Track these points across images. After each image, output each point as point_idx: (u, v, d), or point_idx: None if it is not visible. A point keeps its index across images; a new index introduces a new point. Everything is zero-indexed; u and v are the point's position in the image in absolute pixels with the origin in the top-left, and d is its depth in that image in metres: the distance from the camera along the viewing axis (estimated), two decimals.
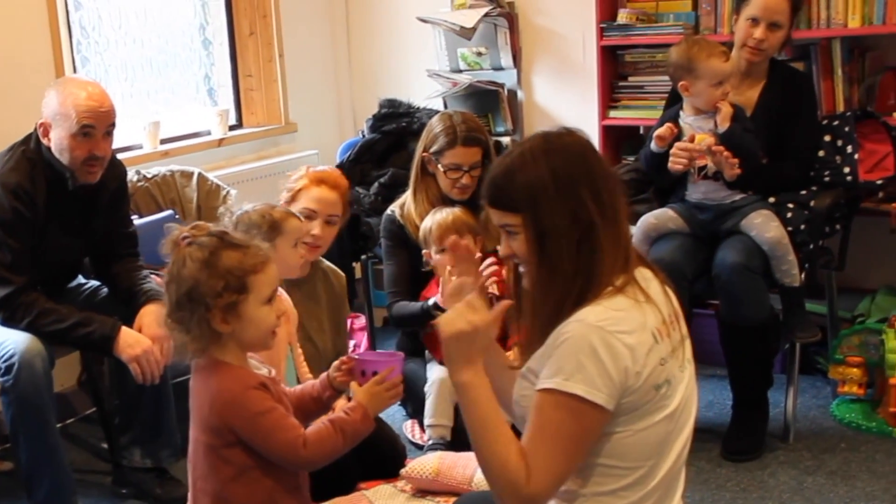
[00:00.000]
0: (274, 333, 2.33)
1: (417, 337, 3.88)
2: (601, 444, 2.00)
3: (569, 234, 2.01)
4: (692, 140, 3.80)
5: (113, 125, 3.43)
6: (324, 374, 2.54)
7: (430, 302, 3.61)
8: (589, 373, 1.93)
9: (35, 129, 3.41)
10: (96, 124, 3.35)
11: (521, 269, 2.13)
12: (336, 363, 2.50)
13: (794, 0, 3.96)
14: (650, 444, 2.04)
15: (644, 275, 2.11)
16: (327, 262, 3.56)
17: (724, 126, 3.78)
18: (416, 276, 3.80)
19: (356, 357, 2.51)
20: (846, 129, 4.06)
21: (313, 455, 2.26)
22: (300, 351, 3.15)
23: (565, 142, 2.10)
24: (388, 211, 3.93)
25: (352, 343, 4.82)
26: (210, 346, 2.25)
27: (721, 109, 3.79)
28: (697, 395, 2.21)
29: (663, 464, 2.07)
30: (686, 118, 3.91)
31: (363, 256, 4.79)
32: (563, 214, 2.01)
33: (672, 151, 3.83)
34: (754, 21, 3.89)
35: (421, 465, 3.29)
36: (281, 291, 3.05)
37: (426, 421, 3.71)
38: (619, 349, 1.94)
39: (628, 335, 1.96)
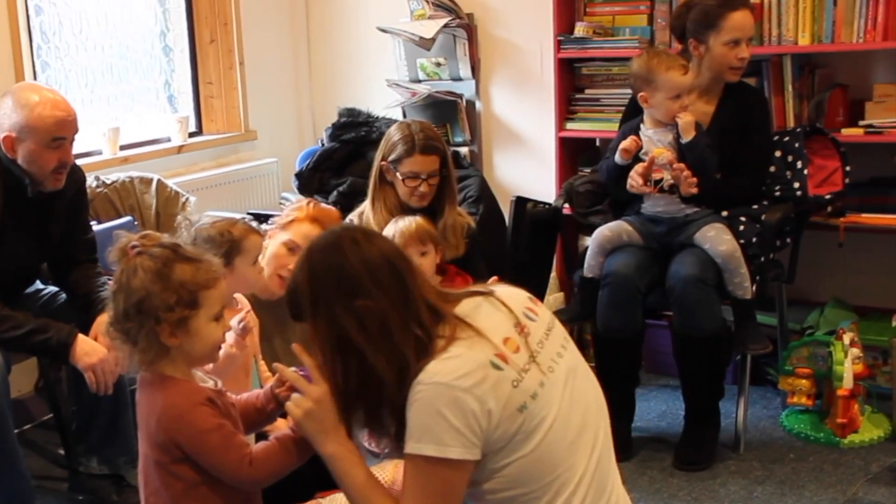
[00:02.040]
0: (219, 349, 2.31)
1: None
2: (500, 479, 2.01)
3: (359, 332, 2.02)
4: (651, 162, 3.84)
5: (77, 132, 3.43)
6: (267, 386, 2.49)
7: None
8: (435, 432, 1.95)
9: None
10: (67, 135, 3.35)
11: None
12: (278, 378, 2.44)
13: (754, 12, 4.06)
14: (547, 459, 2.02)
15: (468, 306, 2.10)
16: None
17: (687, 137, 3.84)
18: None
19: (301, 373, 2.51)
20: (796, 144, 4.12)
21: (260, 474, 2.22)
22: (262, 362, 3.14)
23: (325, 243, 2.10)
24: (347, 220, 3.94)
25: None
26: (157, 359, 2.20)
27: (681, 121, 3.84)
28: (589, 376, 2.18)
29: (575, 465, 2.05)
30: (646, 130, 3.96)
31: None
32: (345, 315, 2.03)
33: (630, 175, 3.88)
34: (735, 43, 3.94)
35: (379, 472, 3.31)
36: (243, 300, 3.06)
37: None
38: (461, 399, 1.94)
39: (466, 378, 1.95)
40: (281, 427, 3.26)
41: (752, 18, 4.02)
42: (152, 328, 2.15)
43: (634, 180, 3.88)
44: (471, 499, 2.09)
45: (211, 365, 2.40)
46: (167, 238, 2.27)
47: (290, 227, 3.35)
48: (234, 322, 2.71)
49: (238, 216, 3.20)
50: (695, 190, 3.82)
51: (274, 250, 3.29)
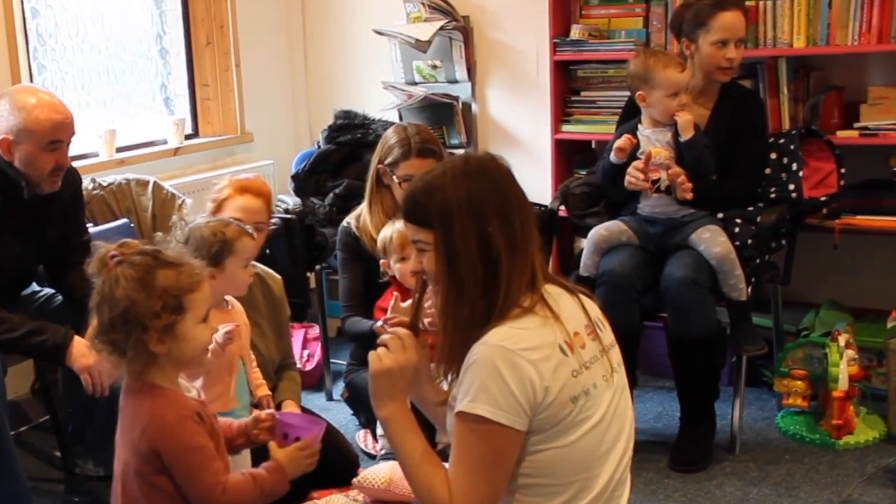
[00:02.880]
0: (207, 351, 2.31)
1: (371, 347, 3.88)
2: (530, 462, 2.03)
3: (476, 257, 2.06)
4: (648, 158, 3.86)
5: (74, 135, 3.44)
6: (242, 421, 2.52)
7: (378, 323, 3.65)
8: (492, 393, 1.97)
9: None
10: (64, 137, 3.36)
11: (432, 287, 2.18)
12: (254, 417, 2.50)
13: (747, 15, 4.06)
14: (579, 458, 2.06)
15: (553, 291, 2.14)
16: (262, 266, 3.57)
17: (686, 135, 3.85)
18: (372, 288, 3.82)
19: (279, 418, 2.50)
20: (791, 146, 4.14)
21: (228, 500, 2.22)
22: (254, 361, 3.15)
23: (485, 167, 2.14)
24: (344, 223, 3.94)
25: (306, 353, 4.84)
26: (146, 368, 2.19)
27: (680, 119, 3.86)
28: (632, 403, 2.24)
29: (599, 476, 2.09)
30: (644, 130, 3.97)
31: (318, 267, 4.81)
32: (472, 237, 2.06)
33: (629, 171, 3.89)
34: (723, 43, 3.95)
35: (373, 474, 3.31)
36: (236, 302, 3.07)
37: (379, 431, 3.73)
38: (522, 366, 1.97)
39: (532, 351, 1.99)
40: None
41: (745, 20, 4.02)
42: (140, 337, 2.15)
43: (634, 175, 3.89)
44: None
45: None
46: (147, 245, 2.26)
47: (223, 206, 3.37)
48: (220, 331, 2.73)
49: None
50: (690, 195, 3.84)
51: None
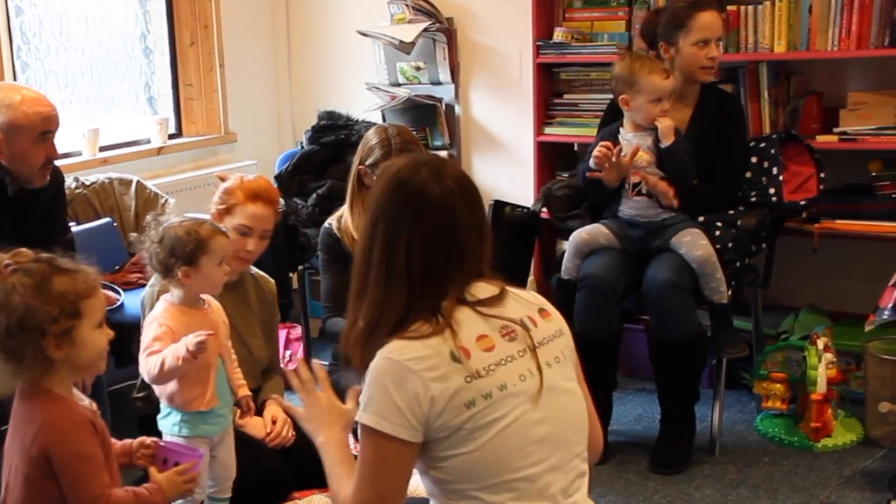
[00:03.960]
0: (104, 357, 2.32)
1: None
2: (446, 468, 2.04)
3: (380, 263, 2.10)
4: (635, 153, 3.87)
5: (59, 127, 3.46)
6: (127, 442, 2.55)
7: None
8: (379, 404, 2.01)
9: None
10: (52, 128, 3.39)
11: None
12: (140, 441, 2.55)
13: (723, 16, 4.12)
14: (496, 460, 2.03)
15: (478, 290, 2.13)
16: (256, 269, 3.58)
17: (667, 141, 3.88)
18: None
19: (161, 444, 2.57)
20: (772, 150, 4.15)
21: None
22: (234, 359, 3.15)
23: (423, 184, 2.12)
24: (326, 224, 3.94)
25: (288, 353, 4.84)
26: (43, 374, 2.21)
27: (661, 125, 3.88)
28: (573, 396, 2.18)
29: (533, 477, 2.05)
30: (626, 134, 3.99)
31: (300, 267, 4.81)
32: (381, 242, 2.11)
33: (598, 147, 3.93)
34: (704, 43, 3.99)
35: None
36: (213, 301, 3.08)
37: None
38: (408, 378, 2.00)
39: (418, 361, 2.00)
40: (258, 427, 3.30)
41: (721, 20, 4.07)
42: (38, 343, 2.17)
43: (600, 151, 3.91)
44: (429, 492, 2.13)
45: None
46: (39, 254, 2.26)
47: (233, 211, 3.36)
48: (190, 338, 2.75)
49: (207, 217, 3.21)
50: (675, 202, 3.86)
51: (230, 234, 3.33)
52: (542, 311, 2.20)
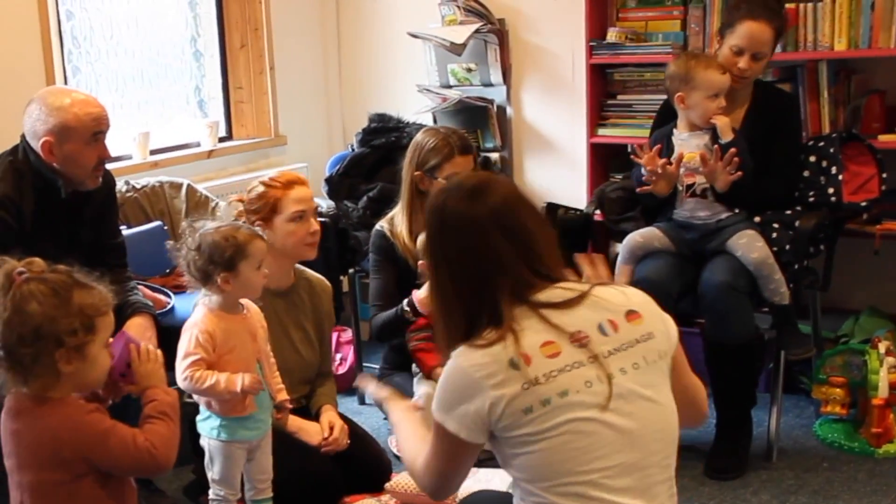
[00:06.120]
0: (105, 376, 2.31)
1: (404, 350, 3.86)
2: (517, 467, 2.11)
3: (451, 271, 2.20)
4: (680, 159, 3.83)
5: (109, 128, 3.47)
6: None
7: (404, 303, 3.63)
8: (445, 403, 2.13)
9: (22, 140, 3.40)
10: (103, 129, 3.39)
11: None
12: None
13: (778, 29, 3.98)
14: (558, 462, 2.05)
15: (554, 294, 2.14)
16: (311, 272, 3.57)
17: (726, 138, 3.83)
18: (403, 292, 3.80)
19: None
20: (831, 150, 4.08)
21: (162, 452, 2.26)
22: (273, 363, 3.13)
23: (492, 191, 2.20)
24: (378, 226, 3.93)
25: (338, 356, 4.83)
26: (47, 386, 2.20)
27: (720, 122, 3.84)
28: (651, 403, 2.15)
29: (598, 482, 2.06)
30: (680, 135, 3.95)
31: (350, 270, 4.80)
32: (444, 257, 2.21)
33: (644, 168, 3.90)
34: (739, 51, 3.91)
35: (406, 479, 3.30)
36: (252, 306, 3.06)
37: None
38: (468, 384, 2.08)
39: (479, 368, 2.07)
40: (314, 433, 3.29)
41: (772, 34, 3.93)
42: (50, 354, 2.17)
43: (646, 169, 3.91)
44: (511, 484, 2.23)
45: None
46: (52, 265, 2.26)
47: (280, 206, 3.38)
48: (247, 378, 2.81)
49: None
50: (733, 176, 3.77)
51: (286, 229, 3.34)
52: (629, 313, 2.17)
